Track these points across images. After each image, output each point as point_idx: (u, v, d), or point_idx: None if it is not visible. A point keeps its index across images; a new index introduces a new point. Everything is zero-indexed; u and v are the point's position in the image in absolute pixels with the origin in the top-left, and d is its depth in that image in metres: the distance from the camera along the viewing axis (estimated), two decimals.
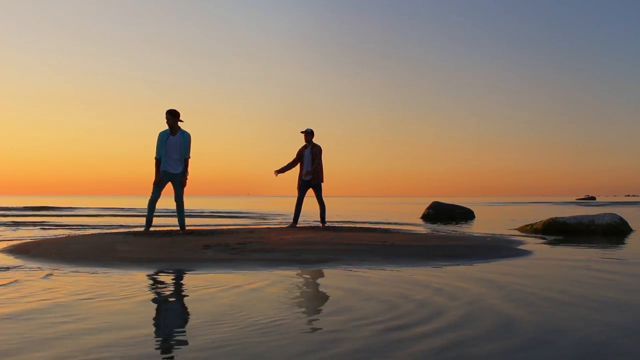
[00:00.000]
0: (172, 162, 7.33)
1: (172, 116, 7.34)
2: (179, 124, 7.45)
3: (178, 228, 7.70)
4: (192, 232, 7.64)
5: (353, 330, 2.56)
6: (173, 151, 7.32)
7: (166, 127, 7.40)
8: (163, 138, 7.33)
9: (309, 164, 8.89)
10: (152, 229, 7.69)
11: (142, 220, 10.00)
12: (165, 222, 11.22)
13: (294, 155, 9.07)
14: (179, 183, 7.42)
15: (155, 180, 7.37)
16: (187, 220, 7.86)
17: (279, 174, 9.07)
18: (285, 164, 9.06)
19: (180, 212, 7.59)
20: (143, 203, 37.49)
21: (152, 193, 7.41)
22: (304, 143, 9.05)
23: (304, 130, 9.02)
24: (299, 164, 9.05)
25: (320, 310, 3.06)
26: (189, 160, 7.47)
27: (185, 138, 7.39)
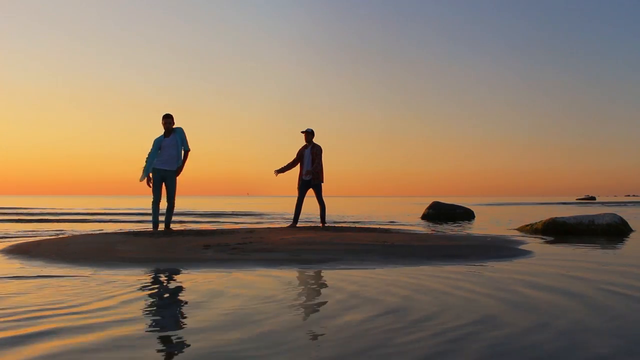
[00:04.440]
0: (167, 160, 7.58)
1: (171, 119, 7.67)
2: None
3: (163, 227, 7.87)
4: (193, 232, 7.69)
5: (350, 330, 2.56)
6: (170, 150, 7.59)
7: (161, 132, 7.73)
8: (157, 144, 7.60)
9: (309, 164, 8.89)
10: (152, 228, 7.79)
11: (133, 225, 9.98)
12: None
13: (294, 155, 9.07)
14: (172, 181, 7.66)
15: (140, 178, 7.58)
16: (188, 221, 8.00)
17: (279, 174, 9.07)
18: (286, 164, 9.06)
19: (169, 211, 7.84)
20: (136, 203, 37.47)
21: (153, 195, 7.65)
22: (304, 143, 9.05)
23: (304, 130, 9.02)
24: (299, 164, 9.05)
25: (318, 310, 3.05)
26: (189, 152, 7.81)
27: (180, 133, 7.67)
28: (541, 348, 2.29)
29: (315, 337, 2.46)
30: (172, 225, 7.89)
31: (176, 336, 2.47)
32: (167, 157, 7.56)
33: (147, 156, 7.58)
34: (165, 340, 2.40)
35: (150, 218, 8.34)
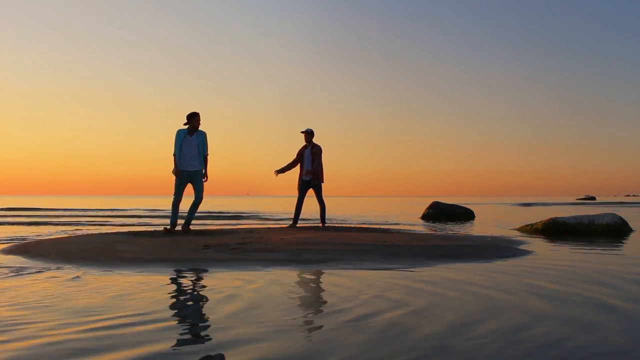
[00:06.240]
0: (190, 160, 7.59)
1: (199, 118, 7.66)
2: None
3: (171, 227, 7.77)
4: (194, 232, 7.66)
5: (351, 331, 2.56)
6: (191, 150, 7.58)
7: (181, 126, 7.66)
8: (181, 136, 7.57)
9: (309, 164, 8.88)
10: (152, 228, 7.74)
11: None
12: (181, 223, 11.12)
13: (294, 156, 9.07)
14: (199, 181, 7.67)
15: (174, 171, 7.54)
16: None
17: (279, 174, 9.06)
18: (286, 164, 9.05)
19: (193, 210, 7.81)
20: (136, 203, 37.47)
21: (175, 194, 7.62)
22: (304, 143, 9.04)
23: (304, 130, 9.02)
24: (299, 164, 9.04)
25: (319, 311, 3.05)
26: (208, 157, 7.76)
27: (202, 136, 7.68)
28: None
29: (315, 337, 2.46)
30: (175, 226, 7.79)
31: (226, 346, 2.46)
32: (191, 156, 7.58)
33: (173, 152, 7.55)
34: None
35: (151, 217, 8.23)
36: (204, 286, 3.79)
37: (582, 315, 2.90)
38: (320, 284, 3.95)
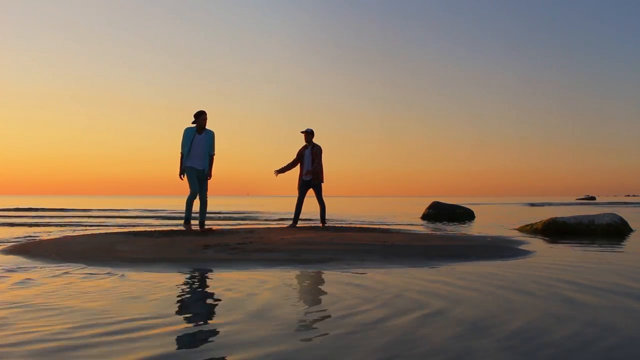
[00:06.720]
0: (198, 159, 7.60)
1: (206, 117, 7.65)
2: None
3: (180, 228, 7.77)
4: (193, 232, 7.62)
5: (353, 328, 2.56)
6: (199, 149, 7.60)
7: (190, 125, 7.68)
8: (189, 135, 7.59)
9: (309, 164, 8.88)
10: (151, 229, 7.73)
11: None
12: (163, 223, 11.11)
13: (294, 156, 9.06)
14: (204, 180, 7.68)
15: (179, 174, 7.60)
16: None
17: (279, 174, 9.06)
18: (286, 164, 9.05)
19: (203, 210, 7.83)
20: (136, 203, 37.43)
21: (190, 189, 7.59)
22: (304, 143, 9.04)
23: (304, 130, 9.01)
24: (299, 164, 9.04)
25: (320, 311, 3.05)
26: (214, 157, 7.79)
27: (210, 136, 7.70)
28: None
29: (318, 339, 2.46)
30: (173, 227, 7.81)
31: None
32: (196, 155, 7.57)
33: (181, 150, 7.59)
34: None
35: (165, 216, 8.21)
36: (215, 287, 3.79)
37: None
38: (327, 285, 3.95)
